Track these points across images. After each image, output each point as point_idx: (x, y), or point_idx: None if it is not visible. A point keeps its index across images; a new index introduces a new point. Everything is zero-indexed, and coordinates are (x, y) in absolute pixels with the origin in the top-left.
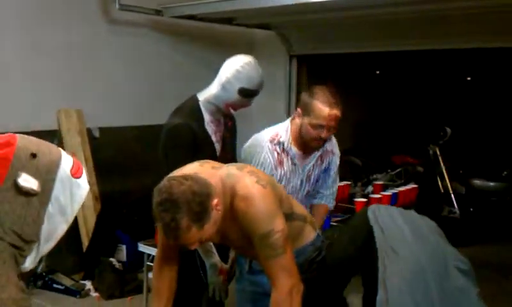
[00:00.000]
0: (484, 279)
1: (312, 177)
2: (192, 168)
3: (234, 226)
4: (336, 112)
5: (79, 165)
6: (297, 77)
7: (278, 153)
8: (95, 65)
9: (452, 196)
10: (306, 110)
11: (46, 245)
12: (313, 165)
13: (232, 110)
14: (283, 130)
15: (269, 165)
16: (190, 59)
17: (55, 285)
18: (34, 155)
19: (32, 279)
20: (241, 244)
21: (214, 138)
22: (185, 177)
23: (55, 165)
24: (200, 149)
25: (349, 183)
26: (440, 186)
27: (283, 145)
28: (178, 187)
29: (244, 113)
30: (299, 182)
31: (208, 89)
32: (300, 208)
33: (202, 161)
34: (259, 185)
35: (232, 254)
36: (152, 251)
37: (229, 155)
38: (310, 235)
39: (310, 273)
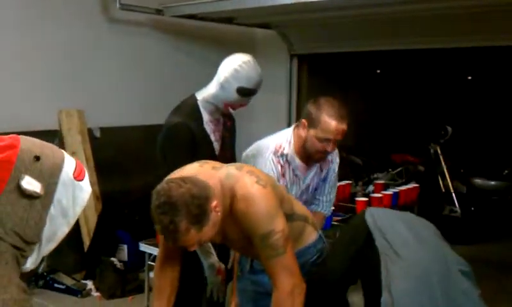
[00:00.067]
0: (484, 277)
1: (311, 187)
2: (191, 169)
3: (234, 226)
4: (343, 126)
5: (82, 167)
6: (297, 76)
7: (281, 166)
8: (96, 65)
9: (453, 195)
10: (313, 123)
11: (47, 246)
12: (314, 175)
13: (230, 110)
14: (286, 142)
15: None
16: (191, 59)
17: (56, 285)
18: (37, 158)
19: (33, 279)
20: (242, 244)
21: (212, 137)
22: (184, 179)
23: (58, 168)
24: (199, 148)
25: (350, 182)
26: (441, 185)
27: (287, 157)
28: (176, 190)
29: (245, 112)
30: (299, 192)
31: (206, 89)
32: (301, 208)
33: (202, 161)
34: (259, 185)
35: (233, 255)
36: (153, 250)
37: (228, 154)
38: (312, 235)
39: (311, 275)
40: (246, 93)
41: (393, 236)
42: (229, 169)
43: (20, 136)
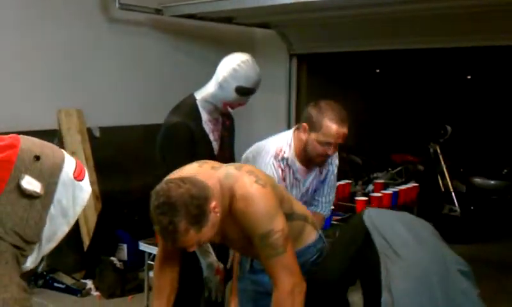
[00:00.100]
0: (484, 277)
1: (311, 189)
2: (190, 169)
3: (234, 226)
4: (345, 130)
5: (82, 167)
6: (297, 76)
7: (282, 170)
8: (95, 64)
9: (453, 194)
10: (314, 127)
11: (47, 245)
12: (313, 178)
13: (229, 109)
14: (287, 145)
15: None
16: (190, 58)
17: (56, 284)
18: (37, 158)
19: (33, 278)
20: (242, 244)
21: (211, 137)
22: (183, 180)
23: (58, 168)
24: (198, 148)
25: (349, 181)
26: (441, 184)
27: (287, 161)
28: (176, 190)
29: (244, 111)
30: (299, 195)
31: (205, 88)
32: (301, 208)
33: (201, 161)
34: (258, 184)
35: (231, 255)
36: (153, 249)
37: (227, 153)
38: (311, 235)
39: (311, 274)
40: (244, 92)
41: (393, 237)
42: (228, 169)
43: (20, 136)
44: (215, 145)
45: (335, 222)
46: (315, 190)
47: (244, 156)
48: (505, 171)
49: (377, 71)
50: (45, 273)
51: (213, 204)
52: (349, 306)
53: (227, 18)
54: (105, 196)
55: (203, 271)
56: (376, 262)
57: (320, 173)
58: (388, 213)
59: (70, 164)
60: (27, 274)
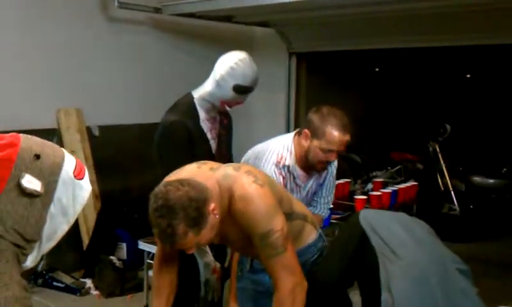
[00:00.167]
0: (483, 275)
1: (310, 192)
2: (189, 171)
3: (234, 227)
4: (347, 137)
5: (82, 166)
6: (296, 74)
7: (283, 177)
8: (95, 63)
9: (452, 193)
10: (316, 134)
11: (47, 244)
12: (313, 182)
13: (227, 108)
14: (287, 151)
15: None
16: (190, 57)
17: (55, 283)
18: (38, 156)
19: (32, 277)
20: (242, 244)
21: (209, 135)
22: (182, 182)
23: (58, 166)
24: (195, 147)
25: (348, 180)
26: (440, 183)
27: (289, 168)
28: (174, 193)
29: (243, 110)
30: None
31: (203, 87)
32: (301, 207)
33: (200, 162)
34: (256, 184)
35: (229, 254)
36: (152, 248)
37: (225, 152)
38: (311, 234)
39: (311, 274)
40: (242, 90)
41: (390, 237)
42: (227, 170)
43: (21, 134)
44: (212, 144)
45: (334, 221)
46: (314, 193)
47: (242, 160)
48: (505, 169)
49: (377, 69)
50: (44, 272)
51: (212, 206)
52: (351, 305)
53: (226, 17)
54: (104, 195)
55: (200, 273)
56: (374, 262)
57: (320, 175)
58: (384, 214)
59: (70, 162)
60: (26, 272)
